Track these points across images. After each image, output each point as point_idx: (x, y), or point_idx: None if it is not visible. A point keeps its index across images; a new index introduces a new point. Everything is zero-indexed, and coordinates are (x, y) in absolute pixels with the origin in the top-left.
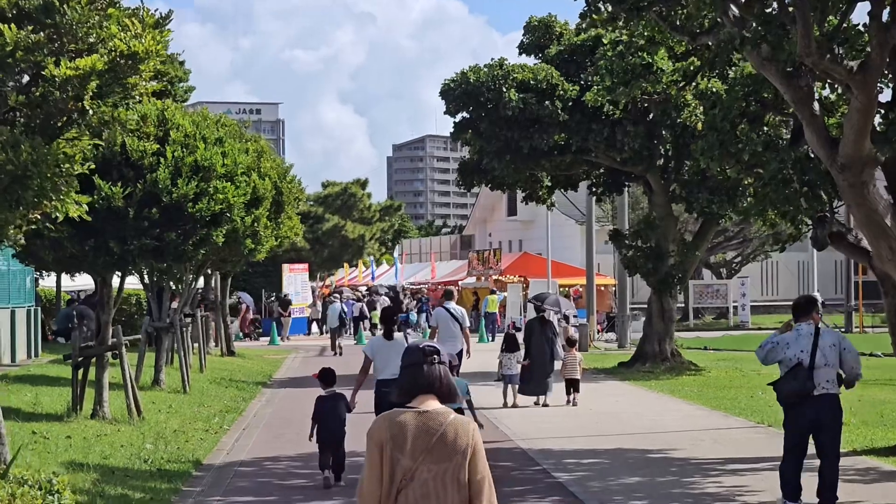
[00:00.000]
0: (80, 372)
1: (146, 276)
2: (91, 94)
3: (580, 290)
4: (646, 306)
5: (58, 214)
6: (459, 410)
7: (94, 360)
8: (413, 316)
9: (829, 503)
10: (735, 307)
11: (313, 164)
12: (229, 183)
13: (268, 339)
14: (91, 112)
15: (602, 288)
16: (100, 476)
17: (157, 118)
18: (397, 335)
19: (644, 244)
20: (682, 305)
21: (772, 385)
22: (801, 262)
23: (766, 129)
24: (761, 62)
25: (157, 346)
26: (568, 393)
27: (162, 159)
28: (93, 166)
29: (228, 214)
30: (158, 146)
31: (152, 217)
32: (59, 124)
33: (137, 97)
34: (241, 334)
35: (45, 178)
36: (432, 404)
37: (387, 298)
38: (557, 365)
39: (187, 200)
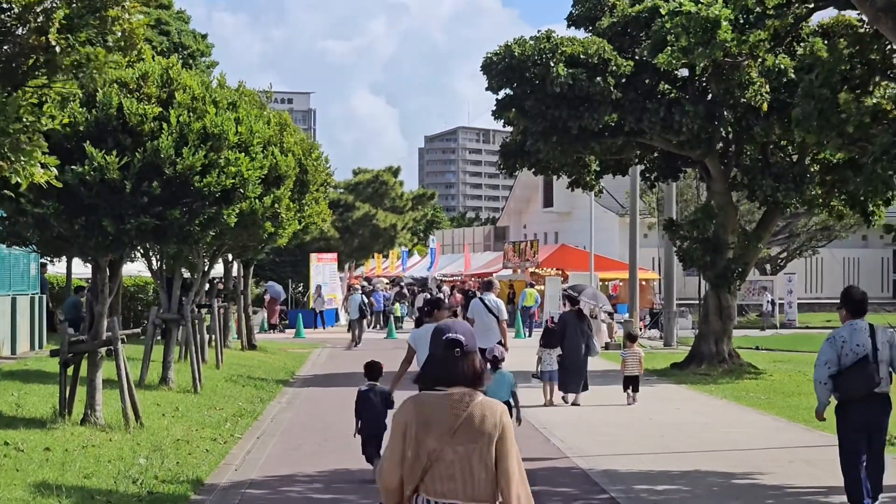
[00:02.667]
0: (71, 370)
1: (154, 262)
2: (58, 26)
3: (619, 285)
4: (692, 302)
5: (19, 180)
6: (507, 404)
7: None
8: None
9: (876, 497)
10: (781, 304)
11: (344, 154)
12: (243, 154)
13: (294, 331)
14: (59, 49)
15: (644, 283)
16: (74, 502)
17: (161, 77)
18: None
19: (701, 235)
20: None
21: (832, 378)
22: (846, 259)
23: (872, 96)
24: (875, 14)
25: (167, 340)
26: (625, 390)
27: (165, 125)
28: (66, 120)
29: (242, 191)
30: (161, 110)
31: (153, 192)
32: (24, 68)
33: (119, 33)
34: (266, 326)
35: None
36: (458, 388)
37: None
38: (593, 362)
39: (194, 173)
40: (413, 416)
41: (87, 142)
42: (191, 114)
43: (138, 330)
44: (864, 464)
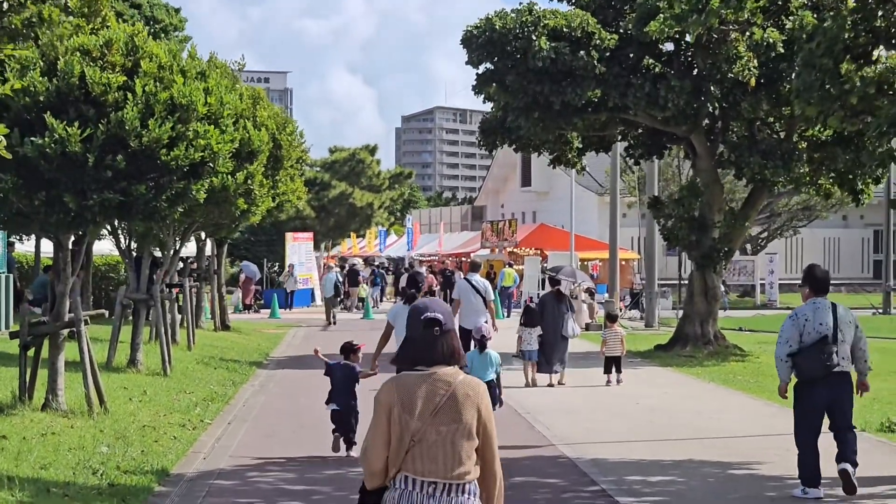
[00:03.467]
0: (32, 353)
1: (122, 240)
2: None
3: (599, 265)
4: (672, 283)
5: None
6: (489, 384)
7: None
8: None
9: (854, 463)
10: (762, 285)
11: (321, 134)
12: (213, 127)
13: (269, 311)
14: (6, 6)
15: (623, 263)
16: (27, 497)
17: (126, 45)
18: None
19: (686, 213)
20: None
21: (790, 357)
22: (826, 239)
23: (876, 67)
24: None
25: (135, 320)
26: (607, 372)
27: (130, 95)
28: (18, 85)
29: (211, 165)
30: (126, 79)
31: (117, 165)
32: None
33: None
34: (241, 306)
35: None
36: (438, 367)
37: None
38: (574, 343)
39: (160, 146)
40: (396, 397)
41: (48, 112)
42: (157, 83)
43: (104, 311)
44: (818, 448)
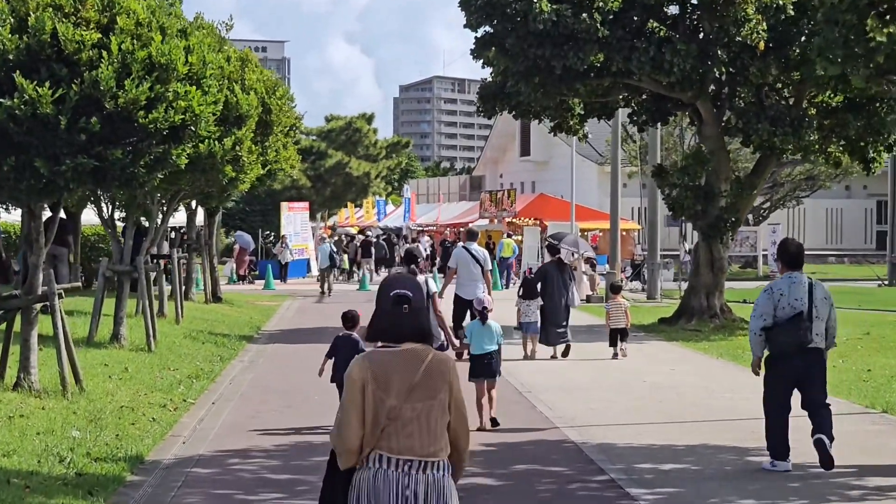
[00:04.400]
0: (4, 328)
1: (105, 209)
2: None
3: (599, 235)
4: (674, 254)
5: None
6: (491, 355)
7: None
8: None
9: (830, 436)
10: (764, 255)
11: (319, 104)
12: (194, 88)
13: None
14: None
15: (624, 233)
16: None
17: (101, 0)
18: (419, 277)
19: (692, 182)
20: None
21: (764, 331)
22: (829, 210)
23: None
24: None
25: (118, 293)
26: (613, 345)
27: (105, 53)
28: None
29: (193, 129)
30: (101, 36)
31: (91, 129)
32: None
33: None
34: (234, 277)
35: None
36: (409, 344)
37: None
38: (574, 315)
39: (138, 108)
40: (369, 374)
41: (17, 72)
42: (134, 41)
43: (79, 284)
44: (788, 422)
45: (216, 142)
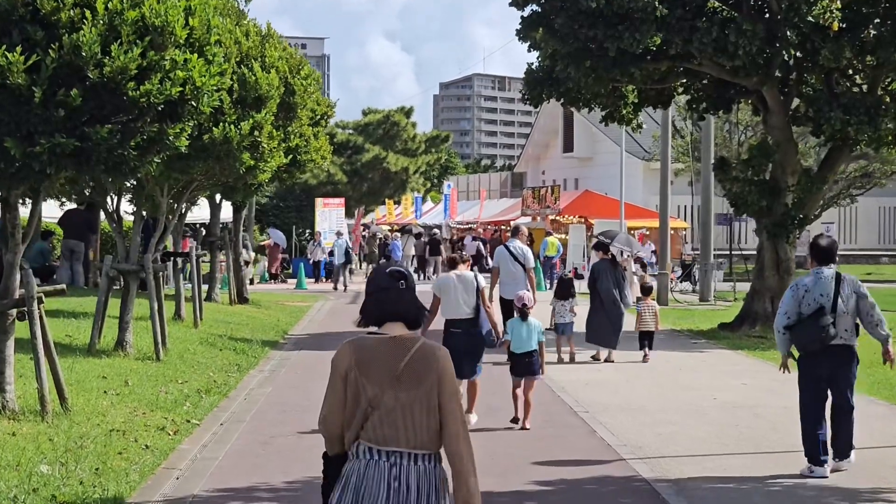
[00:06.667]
0: None
1: (111, 201)
2: None
3: (646, 234)
4: (722, 253)
5: None
6: (532, 353)
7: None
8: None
9: (845, 455)
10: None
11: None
12: (195, 55)
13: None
14: None
15: (672, 232)
16: None
17: None
18: (466, 272)
19: (756, 176)
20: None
21: (788, 329)
22: (882, 209)
23: None
24: None
25: (124, 295)
26: (642, 347)
27: (88, 13)
28: None
29: (194, 104)
30: None
31: (71, 102)
32: None
33: None
34: (266, 276)
35: None
36: (400, 330)
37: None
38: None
39: (127, 78)
40: (353, 360)
41: None
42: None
43: (63, 286)
44: (823, 423)
45: (232, 126)
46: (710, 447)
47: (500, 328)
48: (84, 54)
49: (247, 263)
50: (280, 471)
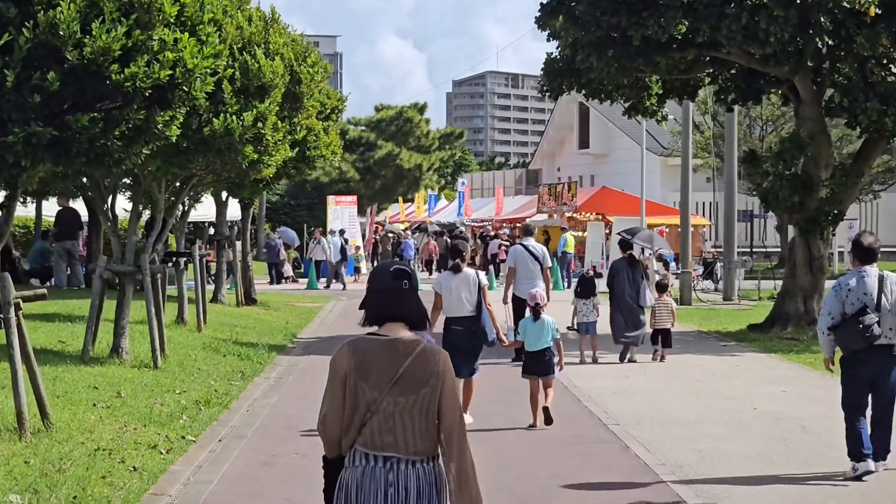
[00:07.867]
0: None
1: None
2: None
3: (665, 231)
4: (742, 250)
5: None
6: (547, 351)
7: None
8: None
9: (880, 457)
10: (840, 252)
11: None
12: (186, 35)
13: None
14: None
15: (692, 229)
16: None
17: None
18: (467, 269)
19: (788, 170)
20: (779, 249)
21: (831, 330)
22: None
23: None
24: None
25: (119, 298)
26: (654, 343)
27: None
28: None
29: (185, 89)
30: None
31: (48, 87)
32: None
33: None
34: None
35: None
36: (401, 332)
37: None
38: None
39: (110, 60)
40: (352, 363)
41: None
42: None
43: (44, 290)
44: (868, 420)
45: (234, 117)
46: (758, 466)
47: (500, 328)
48: (62, 33)
49: (283, 262)
50: (282, 497)
